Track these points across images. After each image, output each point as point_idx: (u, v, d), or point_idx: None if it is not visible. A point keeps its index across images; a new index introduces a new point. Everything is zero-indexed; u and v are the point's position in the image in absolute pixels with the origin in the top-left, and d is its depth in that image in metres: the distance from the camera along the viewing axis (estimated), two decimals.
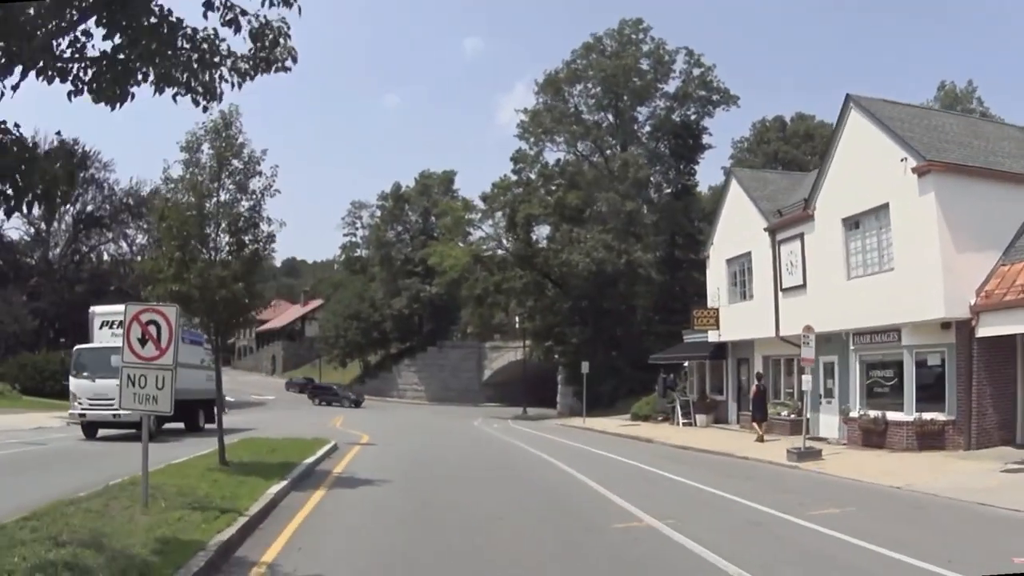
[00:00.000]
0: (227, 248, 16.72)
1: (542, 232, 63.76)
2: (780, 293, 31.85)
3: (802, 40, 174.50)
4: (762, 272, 33.48)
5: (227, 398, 78.11)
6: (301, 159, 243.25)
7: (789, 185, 37.07)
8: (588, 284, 58.78)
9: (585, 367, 48.44)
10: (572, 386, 64.28)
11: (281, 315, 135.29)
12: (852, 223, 27.54)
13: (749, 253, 34.78)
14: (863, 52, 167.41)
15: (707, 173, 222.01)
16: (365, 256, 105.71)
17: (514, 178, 61.91)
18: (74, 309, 71.19)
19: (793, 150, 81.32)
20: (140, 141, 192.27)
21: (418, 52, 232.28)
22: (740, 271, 36.12)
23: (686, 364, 49.59)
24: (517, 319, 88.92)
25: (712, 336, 38.01)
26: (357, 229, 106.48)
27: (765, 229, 32.95)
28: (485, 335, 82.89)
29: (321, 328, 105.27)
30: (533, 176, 62.29)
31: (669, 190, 65.45)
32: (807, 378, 23.97)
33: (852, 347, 27.45)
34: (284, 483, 15.13)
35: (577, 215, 58.65)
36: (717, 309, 37.26)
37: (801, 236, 30.37)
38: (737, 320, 35.94)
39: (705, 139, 67.54)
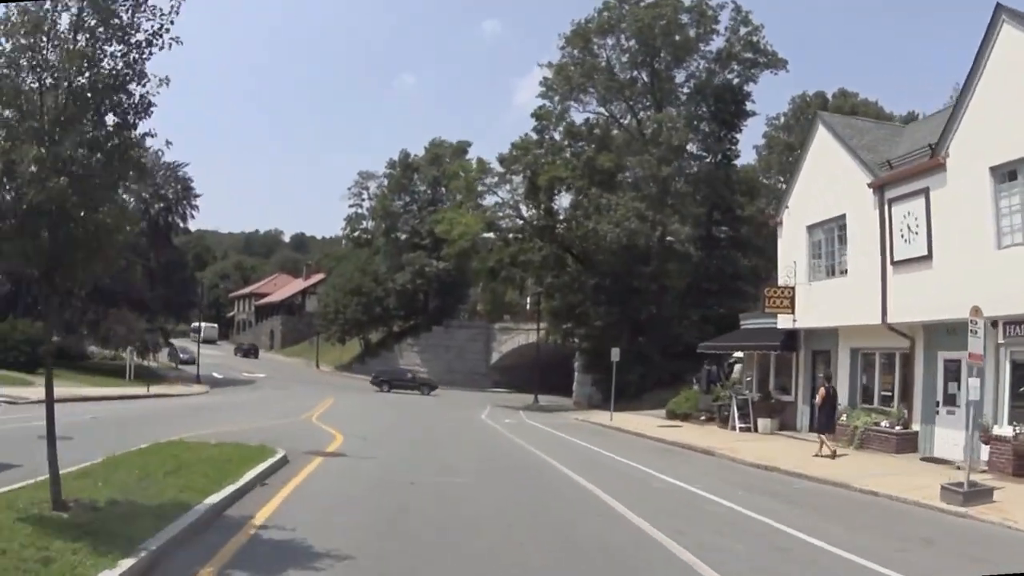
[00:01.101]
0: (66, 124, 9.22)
1: (563, 203, 56.47)
2: (890, 267, 24.49)
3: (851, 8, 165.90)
4: (862, 240, 26.05)
5: (214, 375, 72.17)
6: (316, 134, 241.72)
7: (888, 135, 29.64)
8: (615, 259, 51.56)
9: (615, 354, 41.26)
10: (592, 374, 57.29)
11: (282, 289, 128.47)
12: (1005, 173, 20.20)
13: (842, 217, 27.31)
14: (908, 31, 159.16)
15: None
16: (371, 228, 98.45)
17: (535, 137, 54.41)
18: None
19: None
20: None
21: (436, 33, 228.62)
22: (827, 240, 28.64)
23: (734, 355, 42.74)
24: (529, 299, 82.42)
25: (783, 322, 30.60)
26: (364, 200, 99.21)
27: (870, 185, 25.52)
28: (495, 315, 75.70)
29: (320, 302, 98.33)
30: (558, 136, 54.79)
31: (708, 159, 58.00)
32: (974, 382, 16.73)
33: (1001, 340, 20.23)
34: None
35: (608, 180, 51.25)
36: (792, 288, 29.77)
37: (925, 192, 22.95)
38: (819, 302, 28.54)
39: (748, 105, 60.13)
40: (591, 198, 49.60)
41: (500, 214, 54.36)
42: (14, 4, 9.44)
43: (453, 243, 54.89)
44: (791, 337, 30.98)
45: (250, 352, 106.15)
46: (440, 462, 19.28)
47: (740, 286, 59.59)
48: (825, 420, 24.58)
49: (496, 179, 54.50)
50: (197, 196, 72.55)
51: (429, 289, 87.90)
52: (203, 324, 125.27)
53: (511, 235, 54.97)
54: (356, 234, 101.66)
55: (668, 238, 50.15)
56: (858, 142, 27.64)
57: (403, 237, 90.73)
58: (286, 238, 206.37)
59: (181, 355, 75.36)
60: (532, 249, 53.25)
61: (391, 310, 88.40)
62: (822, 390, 25.13)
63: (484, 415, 41.90)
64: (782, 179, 76.20)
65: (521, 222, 54.79)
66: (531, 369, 70.38)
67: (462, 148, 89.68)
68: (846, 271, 27.23)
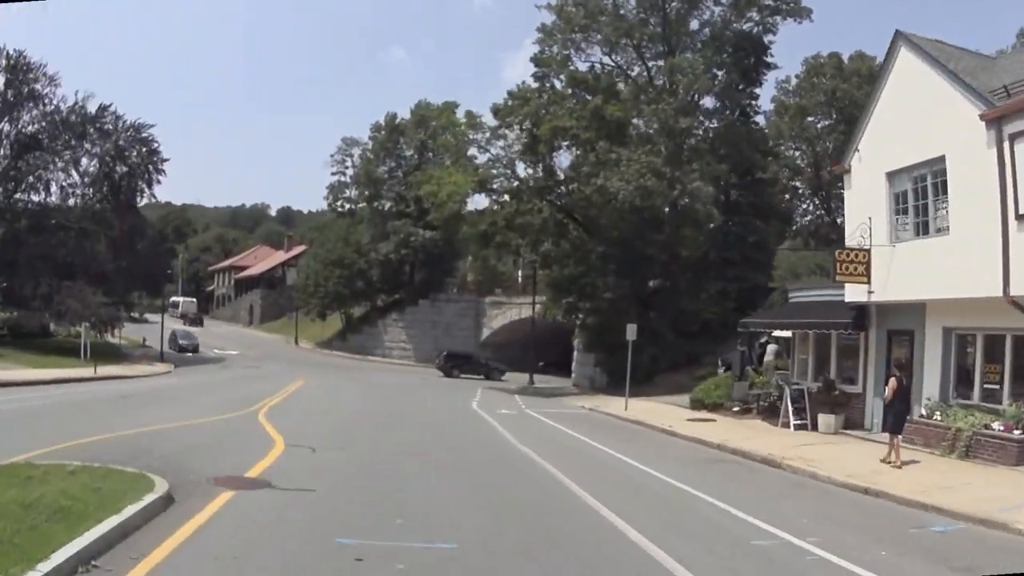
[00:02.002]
0: None
1: (564, 163, 50.25)
2: (1014, 222, 18.55)
3: None
4: (970, 188, 20.00)
5: (187, 354, 66.26)
6: (303, 108, 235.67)
7: (981, 64, 23.45)
8: (624, 224, 45.59)
9: (631, 331, 35.51)
10: (595, 353, 51.52)
11: (263, 261, 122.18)
12: None
13: (939, 159, 21.15)
14: None
15: None
16: (354, 196, 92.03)
17: (535, 86, 48.10)
18: (10, 247, 58.71)
19: (854, 91, 68.67)
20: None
21: (426, 6, 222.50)
22: (917, 190, 22.45)
23: (765, 336, 37.07)
24: (521, 271, 76.57)
25: (853, 294, 24.58)
26: (347, 168, 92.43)
27: (983, 117, 19.49)
28: (486, 287, 69.51)
29: (299, 275, 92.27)
30: (559, 84, 48.40)
31: (726, 115, 51.93)
32: None
33: None
34: None
35: (617, 133, 45.02)
36: (867, 252, 23.69)
37: None
38: (905, 269, 22.51)
39: (768, 58, 54.09)
40: (599, 152, 43.41)
41: (494, 171, 48.03)
42: None
43: (441, 206, 48.77)
44: (861, 313, 25.04)
45: (196, 321, 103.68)
46: (412, 500, 12.86)
47: (762, 257, 54.06)
48: (894, 419, 18.98)
49: (488, 134, 48.24)
50: (164, 160, 66.08)
51: (415, 260, 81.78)
52: (181, 299, 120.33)
53: (506, 196, 48.73)
54: (339, 203, 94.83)
55: (686, 200, 43.88)
56: (955, 67, 21.64)
57: (388, 205, 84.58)
58: (272, 212, 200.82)
59: (182, 341, 68.73)
60: (531, 211, 46.99)
61: (374, 283, 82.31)
62: (892, 381, 19.46)
63: (475, 403, 35.89)
64: (795, 147, 70.61)
65: (517, 183, 48.52)
66: (524, 346, 65.06)
67: (450, 109, 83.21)
68: (946, 228, 21.22)
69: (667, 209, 46.04)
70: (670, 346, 46.64)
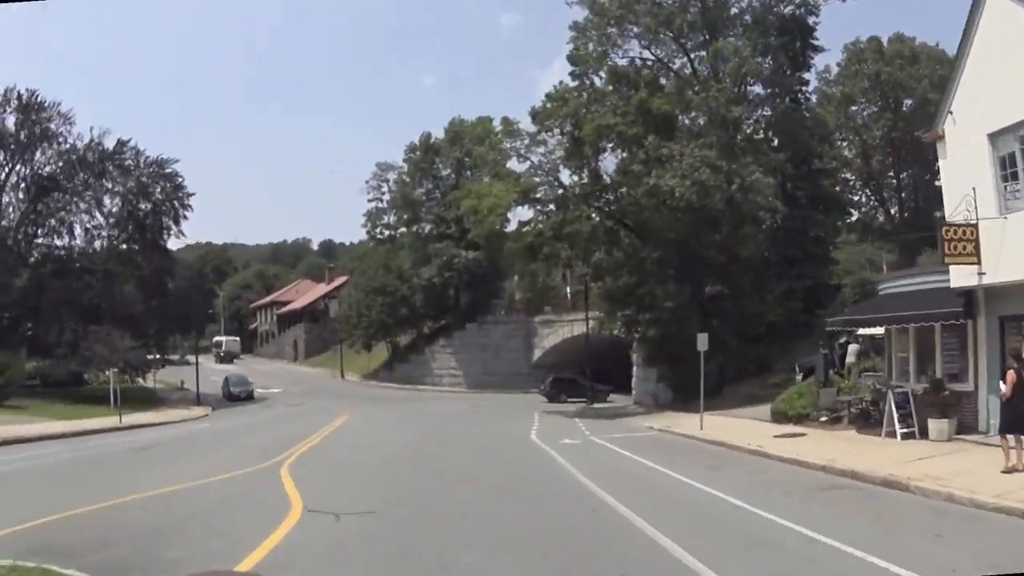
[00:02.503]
0: None
1: (609, 167, 46.84)
2: None
3: None
4: None
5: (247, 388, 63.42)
6: (340, 141, 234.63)
7: None
8: (680, 225, 42.09)
9: (703, 341, 31.89)
10: (656, 367, 48.01)
11: (305, 295, 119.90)
12: None
13: None
14: None
15: None
16: (392, 222, 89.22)
17: (573, 84, 44.84)
18: (33, 293, 56.77)
19: (897, 72, 65.07)
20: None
21: (454, 30, 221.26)
22: None
23: (844, 336, 33.55)
24: (569, 286, 73.29)
25: (959, 278, 20.93)
26: (383, 193, 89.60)
27: None
28: (535, 305, 66.13)
29: (340, 306, 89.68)
30: (599, 81, 45.10)
31: (776, 102, 48.35)
32: None
33: None
34: None
35: (665, 127, 41.62)
36: (974, 227, 20.12)
37: None
38: (1019, 242, 19.04)
39: (814, 41, 50.40)
40: (649, 148, 40.00)
41: (536, 180, 44.72)
42: None
43: (482, 221, 45.66)
44: (969, 299, 21.39)
45: (226, 359, 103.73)
46: None
47: (823, 252, 50.39)
48: (1011, 418, 15.58)
49: (527, 141, 45.04)
50: (190, 195, 64.01)
51: (459, 283, 78.73)
52: (224, 338, 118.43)
53: (551, 205, 45.39)
54: (378, 230, 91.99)
55: (744, 194, 40.19)
56: None
57: (427, 228, 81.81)
58: (314, 246, 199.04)
59: (235, 389, 62.66)
60: (579, 219, 43.55)
61: (419, 309, 79.45)
62: (1011, 374, 15.99)
63: (533, 431, 32.25)
64: (841, 137, 66.81)
65: (562, 191, 45.22)
66: (579, 365, 61.67)
67: (483, 126, 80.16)
68: None
69: (721, 207, 42.45)
70: (736, 354, 43.05)
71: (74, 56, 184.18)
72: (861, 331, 30.75)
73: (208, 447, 27.46)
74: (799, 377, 35.23)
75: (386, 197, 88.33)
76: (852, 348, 32.49)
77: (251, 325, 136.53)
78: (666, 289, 41.36)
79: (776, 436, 25.59)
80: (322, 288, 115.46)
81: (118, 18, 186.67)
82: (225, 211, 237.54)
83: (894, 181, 71.41)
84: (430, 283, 77.02)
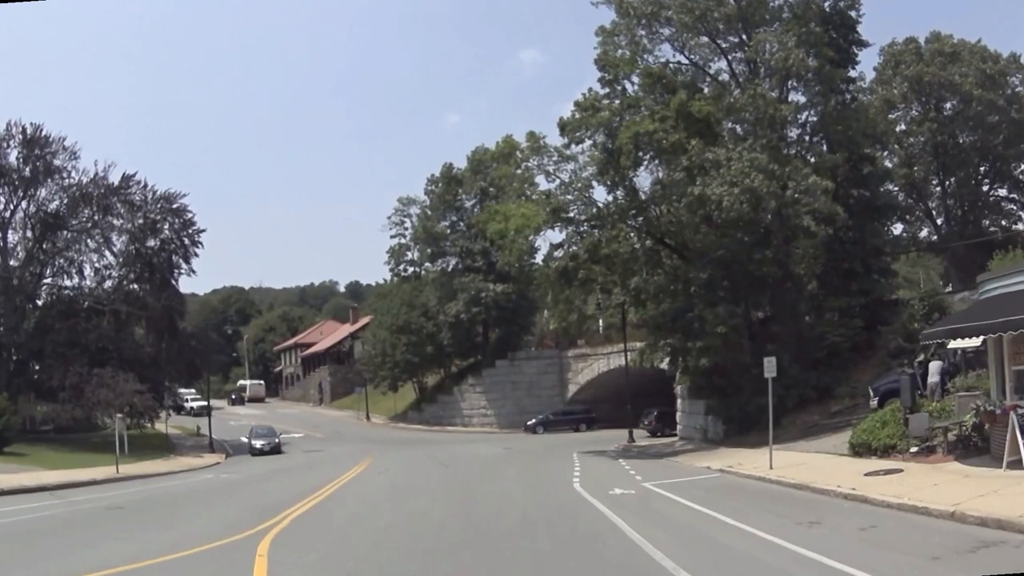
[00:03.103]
0: None
1: (644, 183, 42.82)
2: None
3: None
4: None
5: (244, 439, 59.65)
6: (365, 184, 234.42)
7: None
8: (728, 240, 38.07)
9: (770, 367, 27.40)
10: (705, 399, 43.81)
11: (329, 336, 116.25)
12: None
13: None
14: None
15: None
16: (416, 258, 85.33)
17: (604, 91, 40.87)
18: (39, 335, 53.55)
19: (939, 72, 60.86)
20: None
21: (475, 69, 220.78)
22: None
23: (924, 353, 29.54)
24: (602, 322, 69.17)
25: None
26: (406, 229, 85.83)
27: None
28: (569, 335, 62.00)
29: (364, 346, 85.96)
30: (632, 87, 41.09)
31: (821, 102, 43.86)
32: None
33: None
34: None
35: (707, 133, 37.69)
36: None
37: None
38: None
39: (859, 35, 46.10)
40: (692, 154, 36.03)
41: (568, 197, 40.73)
42: None
43: (510, 245, 41.83)
44: None
45: (237, 401, 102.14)
46: None
47: (882, 264, 46.01)
48: None
49: (556, 157, 41.24)
50: (200, 232, 60.63)
51: (487, 318, 74.69)
52: (248, 382, 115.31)
53: (585, 224, 41.32)
54: (401, 267, 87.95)
55: (798, 200, 35.89)
56: None
57: (452, 262, 78.09)
58: (341, 288, 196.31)
59: (258, 442, 53.59)
60: (616, 238, 39.32)
61: (446, 347, 75.47)
62: None
63: (575, 477, 27.69)
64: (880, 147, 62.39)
65: (596, 209, 41.24)
66: (616, 400, 58.30)
67: (506, 152, 76.38)
68: None
69: (772, 217, 38.39)
70: (795, 380, 38.75)
71: (100, 94, 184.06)
72: (953, 344, 26.62)
73: (195, 506, 23.63)
74: (874, 402, 30.91)
75: (409, 233, 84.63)
76: (934, 366, 28.46)
77: (276, 368, 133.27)
78: (716, 313, 37.07)
79: (867, 474, 21.32)
80: (346, 329, 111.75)
81: (144, 60, 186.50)
82: (251, 255, 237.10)
83: (937, 189, 66.95)
84: (457, 319, 73.13)
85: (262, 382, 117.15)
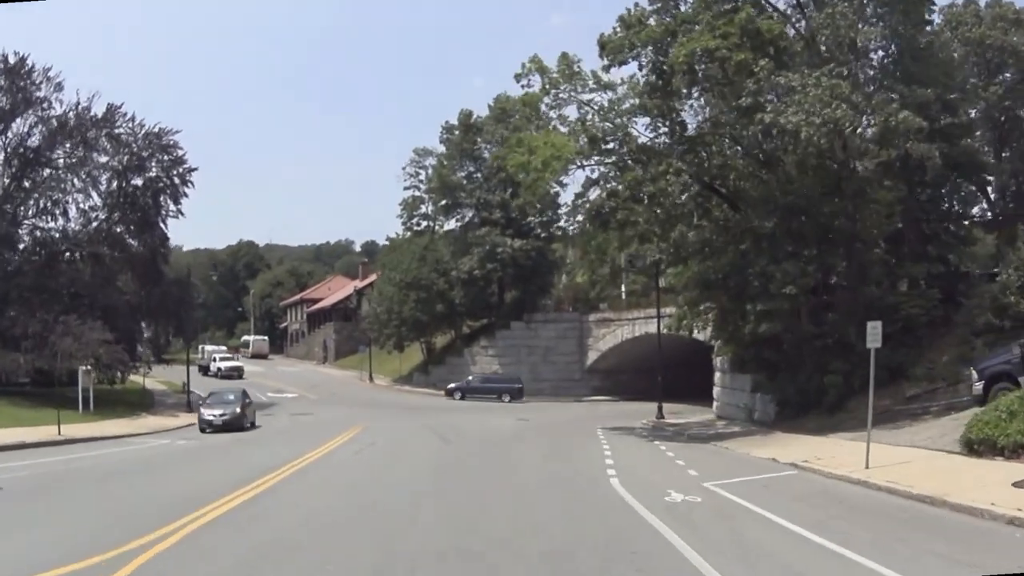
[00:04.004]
0: None
1: (690, 122, 36.33)
2: None
3: None
4: None
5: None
6: (385, 144, 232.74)
7: None
8: (797, 187, 31.87)
9: (874, 333, 21.08)
10: (752, 375, 37.86)
11: (336, 292, 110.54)
12: None
13: None
14: None
15: None
16: (431, 212, 79.00)
17: (653, 7, 34.23)
18: (5, 280, 47.90)
19: (1000, 36, 54.33)
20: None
21: (503, 32, 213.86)
22: None
23: None
24: (623, 287, 63.29)
25: None
26: (421, 182, 79.52)
27: None
28: (600, 288, 55.87)
29: (370, 303, 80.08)
30: (686, 5, 34.17)
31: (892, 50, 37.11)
32: None
33: None
34: None
35: (776, 56, 31.11)
36: None
37: None
38: None
39: None
40: (761, 75, 29.61)
41: (609, 124, 34.24)
42: None
43: (533, 183, 35.73)
44: None
45: (233, 374, 78.19)
46: None
47: (961, 229, 39.78)
48: None
49: (591, 83, 34.92)
50: (191, 171, 54.60)
51: (504, 276, 68.58)
52: (252, 338, 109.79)
53: (629, 158, 34.66)
54: (415, 220, 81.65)
55: (884, 141, 29.61)
56: None
57: (468, 215, 72.04)
58: (357, 247, 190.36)
59: (209, 414, 39.15)
60: (664, 175, 32.50)
61: (458, 306, 69.43)
62: None
63: (609, 467, 21.44)
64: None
65: (638, 144, 34.78)
66: (640, 371, 54.86)
67: (533, 102, 69.83)
68: None
69: (848, 158, 32.09)
70: (862, 358, 32.62)
71: (118, 47, 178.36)
72: None
73: (91, 492, 17.79)
74: (978, 387, 24.87)
75: (424, 185, 78.36)
76: None
77: (282, 324, 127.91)
78: (785, 270, 30.74)
79: (1017, 485, 15.37)
80: (354, 284, 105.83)
81: (163, 15, 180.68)
82: (267, 212, 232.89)
83: (992, 161, 60.57)
84: (471, 275, 67.11)
85: (266, 338, 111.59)
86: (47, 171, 51.55)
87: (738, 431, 33.82)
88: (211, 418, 37.54)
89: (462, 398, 60.06)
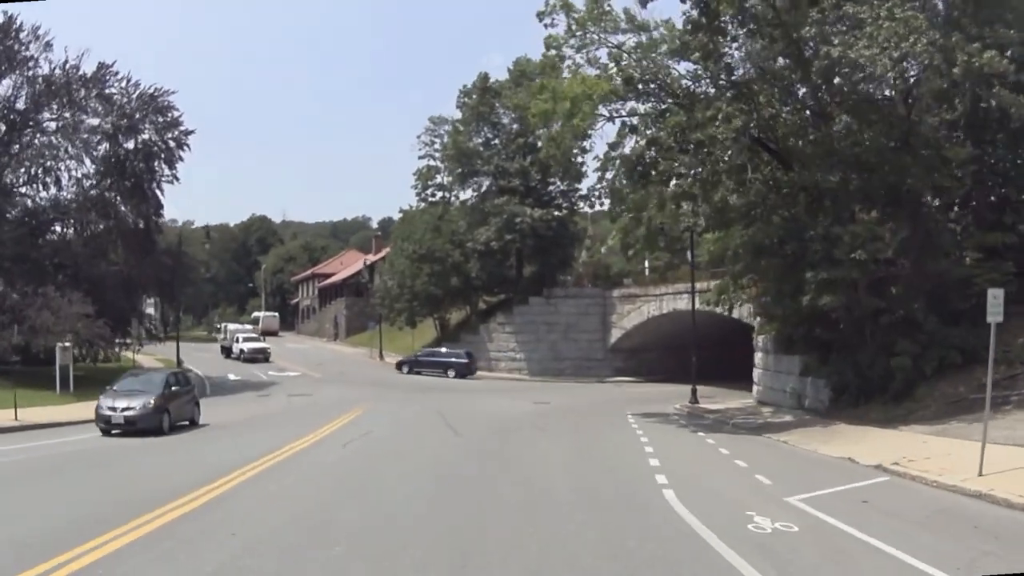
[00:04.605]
0: None
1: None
2: None
3: None
4: None
5: (230, 377, 50.72)
6: (402, 122, 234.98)
7: None
8: (864, 134, 27.56)
9: (996, 307, 16.92)
10: (801, 356, 33.72)
11: (349, 267, 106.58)
12: None
13: None
14: None
15: None
16: (447, 183, 74.73)
17: None
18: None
19: None
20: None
21: (525, 13, 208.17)
22: None
23: None
24: (647, 263, 59.15)
25: None
26: (436, 151, 75.20)
27: None
28: (633, 248, 51.35)
29: (381, 276, 76.16)
30: None
31: None
32: None
33: None
34: None
35: None
36: None
37: None
38: None
39: None
40: (825, 5, 25.29)
41: (646, 63, 29.82)
42: None
43: (561, 131, 31.54)
44: None
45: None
46: None
47: None
48: None
49: (623, 23, 30.64)
50: (188, 133, 50.70)
51: (523, 247, 64.36)
52: (262, 314, 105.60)
53: (671, 101, 30.06)
54: (429, 191, 77.39)
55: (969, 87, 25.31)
56: None
57: (485, 184, 67.86)
58: (374, 224, 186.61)
59: (111, 408, 27.07)
60: (714, 120, 27.66)
61: (473, 279, 65.36)
62: None
63: (656, 472, 16.96)
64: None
65: (680, 87, 30.34)
66: (667, 350, 53.47)
67: (554, 64, 65.45)
68: None
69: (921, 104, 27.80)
70: (932, 338, 28.49)
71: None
72: None
73: (28, 491, 14.05)
74: None
75: (439, 155, 74.07)
76: None
77: (293, 300, 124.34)
78: (854, 232, 26.42)
79: None
80: (368, 258, 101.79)
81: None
82: (282, 189, 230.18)
83: None
84: (487, 247, 63.01)
85: (276, 314, 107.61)
86: (38, 137, 47.90)
87: (790, 420, 29.62)
88: (110, 415, 25.23)
89: (409, 372, 59.10)
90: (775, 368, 36.72)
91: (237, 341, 70.14)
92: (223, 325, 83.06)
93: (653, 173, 28.71)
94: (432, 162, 73.36)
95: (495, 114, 68.73)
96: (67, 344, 38.12)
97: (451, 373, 57.21)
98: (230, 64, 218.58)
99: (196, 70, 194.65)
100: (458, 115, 70.70)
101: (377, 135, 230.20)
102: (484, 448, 21.78)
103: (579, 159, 54.42)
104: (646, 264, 62.27)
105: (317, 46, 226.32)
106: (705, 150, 27.35)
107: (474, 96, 69.37)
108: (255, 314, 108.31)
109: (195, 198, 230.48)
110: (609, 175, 30.99)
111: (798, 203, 29.00)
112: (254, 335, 76.17)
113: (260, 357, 66.62)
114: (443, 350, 61.45)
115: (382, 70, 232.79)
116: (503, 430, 26.40)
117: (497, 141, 68.10)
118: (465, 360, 58.27)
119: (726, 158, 28.39)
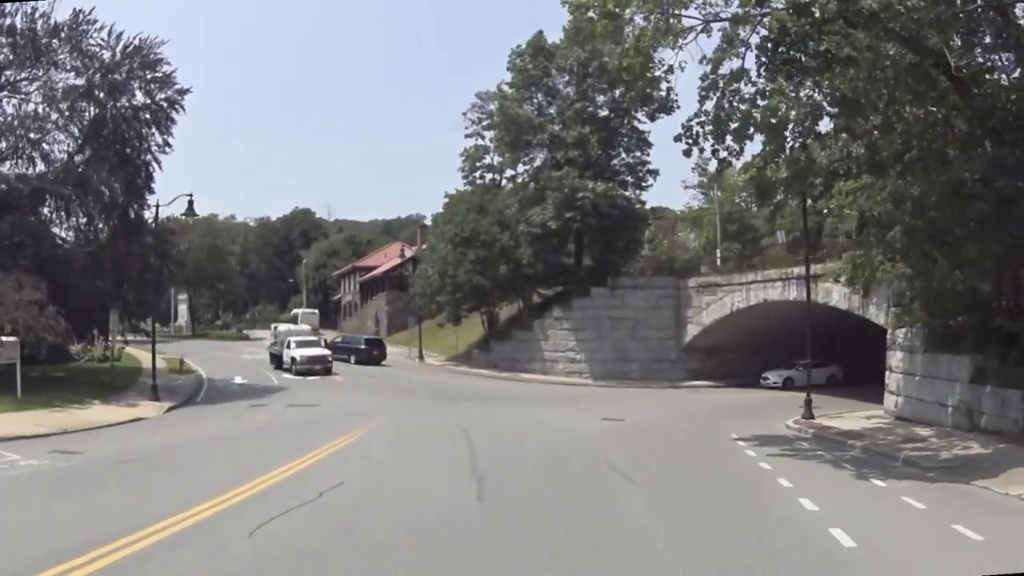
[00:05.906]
0: None
1: None
2: None
3: None
4: None
5: (236, 380, 42.94)
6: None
7: None
8: None
9: None
10: (968, 358, 24.40)
11: (392, 260, 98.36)
12: None
13: None
14: None
15: None
16: (496, 163, 66.09)
17: None
18: None
19: None
20: None
21: None
22: None
23: None
24: (718, 252, 50.40)
25: None
26: (484, 129, 66.61)
27: None
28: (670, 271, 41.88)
29: (420, 265, 67.70)
30: None
31: None
32: None
33: None
34: None
35: None
36: None
37: None
38: None
39: None
40: None
41: None
42: None
43: (640, 74, 22.81)
44: None
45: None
46: None
47: None
48: None
49: None
50: (184, 92, 42.41)
51: (583, 228, 55.13)
52: (301, 311, 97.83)
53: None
54: (477, 172, 68.77)
55: None
56: None
57: (539, 158, 59.04)
58: (428, 220, 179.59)
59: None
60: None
61: (525, 267, 56.36)
62: None
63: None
64: None
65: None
66: (748, 350, 47.40)
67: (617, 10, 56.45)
68: None
69: None
70: None
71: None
72: None
73: None
74: None
75: (488, 135, 65.38)
76: None
77: (335, 296, 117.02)
78: None
79: None
80: (411, 250, 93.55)
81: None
82: (333, 186, 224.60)
83: None
84: (544, 229, 54.05)
85: (315, 311, 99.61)
86: (13, 103, 40.25)
87: (981, 451, 20.14)
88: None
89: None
90: (926, 372, 27.26)
91: (289, 347, 53.52)
92: (274, 326, 72.36)
93: (802, 58, 18.67)
94: (480, 141, 64.95)
95: (550, 78, 59.92)
96: (9, 338, 30.33)
97: (352, 359, 58.42)
98: (275, 60, 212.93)
99: (234, 64, 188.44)
100: (506, 88, 62.02)
101: (430, 128, 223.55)
102: (526, 523, 12.47)
103: (664, 85, 45.11)
104: (717, 253, 53.88)
105: (374, 47, 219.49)
106: (884, 25, 17.72)
107: (526, 57, 60.46)
108: (294, 311, 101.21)
109: (237, 194, 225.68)
110: (709, 104, 21.37)
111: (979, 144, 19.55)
112: (312, 338, 60.65)
113: (318, 368, 50.99)
114: (350, 336, 69.66)
115: (433, 64, 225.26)
116: (562, 476, 16.99)
117: (552, 109, 59.23)
118: (363, 347, 61.11)
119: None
